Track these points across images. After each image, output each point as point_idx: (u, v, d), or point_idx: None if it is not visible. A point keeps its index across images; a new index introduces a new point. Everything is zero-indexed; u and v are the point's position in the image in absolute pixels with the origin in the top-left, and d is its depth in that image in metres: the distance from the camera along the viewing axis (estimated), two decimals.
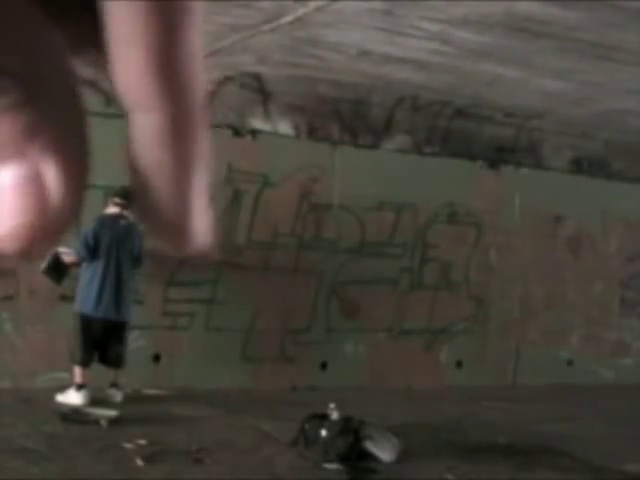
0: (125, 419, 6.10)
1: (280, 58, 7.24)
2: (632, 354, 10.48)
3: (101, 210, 7.38)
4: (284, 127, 8.25)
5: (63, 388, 6.69)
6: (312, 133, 8.40)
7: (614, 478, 5.67)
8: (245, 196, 8.05)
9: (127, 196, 6.89)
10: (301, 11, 5.81)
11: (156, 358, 7.72)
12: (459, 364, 9.27)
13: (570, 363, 9.97)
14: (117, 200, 6.84)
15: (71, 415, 6.08)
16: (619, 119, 9.05)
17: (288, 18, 5.98)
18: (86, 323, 6.70)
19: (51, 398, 6.52)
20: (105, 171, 8.26)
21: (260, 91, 8.05)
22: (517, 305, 9.65)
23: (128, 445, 5.39)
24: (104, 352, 6.83)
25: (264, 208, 8.12)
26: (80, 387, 6.65)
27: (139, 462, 5.01)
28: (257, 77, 7.93)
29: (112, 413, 6.17)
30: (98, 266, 6.71)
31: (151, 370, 7.65)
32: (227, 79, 7.87)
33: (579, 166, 10.11)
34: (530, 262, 9.68)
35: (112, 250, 6.73)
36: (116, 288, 6.74)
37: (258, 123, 8.12)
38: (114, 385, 6.86)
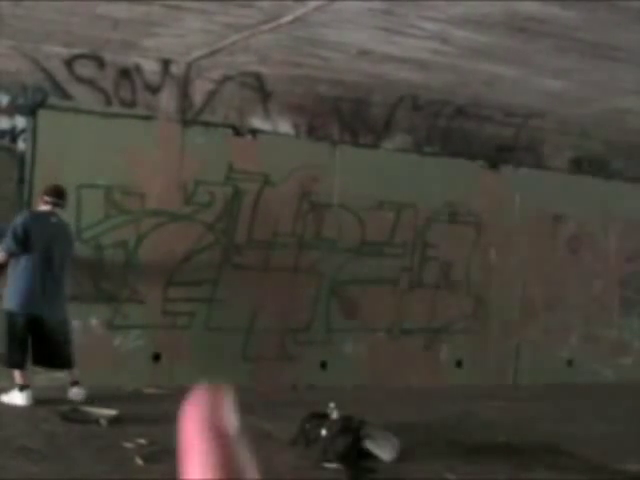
0: (125, 419, 6.10)
1: (280, 58, 7.25)
2: (632, 354, 10.48)
3: (102, 209, 7.39)
4: (284, 126, 8.25)
5: (62, 387, 6.68)
6: (312, 132, 8.40)
7: (614, 478, 5.66)
8: (245, 195, 8.04)
9: (59, 194, 6.72)
10: (301, 11, 5.81)
11: (156, 357, 7.72)
12: (459, 363, 9.28)
13: (570, 363, 9.97)
14: (48, 198, 6.65)
15: (71, 415, 6.08)
16: (619, 119, 9.05)
17: (288, 18, 5.98)
18: (12, 320, 6.47)
19: (51, 398, 6.52)
20: (105, 171, 8.24)
21: (260, 90, 8.05)
22: (517, 305, 9.65)
23: (128, 445, 5.39)
24: (41, 354, 6.56)
25: (264, 207, 8.12)
26: (23, 387, 6.44)
27: (139, 462, 5.01)
28: (257, 76, 7.93)
29: (112, 413, 6.17)
30: (27, 261, 6.50)
31: (151, 370, 7.65)
32: (227, 78, 7.87)
33: (579, 166, 10.11)
34: (530, 262, 9.68)
35: (42, 246, 6.52)
36: (46, 285, 6.51)
37: (258, 122, 8.12)
38: (75, 384, 6.63)
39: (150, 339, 7.66)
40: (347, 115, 8.55)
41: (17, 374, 6.52)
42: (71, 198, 7.17)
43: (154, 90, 7.63)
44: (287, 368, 8.22)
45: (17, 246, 6.50)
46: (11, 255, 6.57)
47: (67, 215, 7.06)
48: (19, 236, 6.48)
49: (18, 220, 6.58)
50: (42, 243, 6.54)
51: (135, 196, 7.45)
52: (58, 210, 6.69)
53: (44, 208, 6.67)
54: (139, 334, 7.59)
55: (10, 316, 6.52)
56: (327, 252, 8.42)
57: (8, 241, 6.52)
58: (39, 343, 6.59)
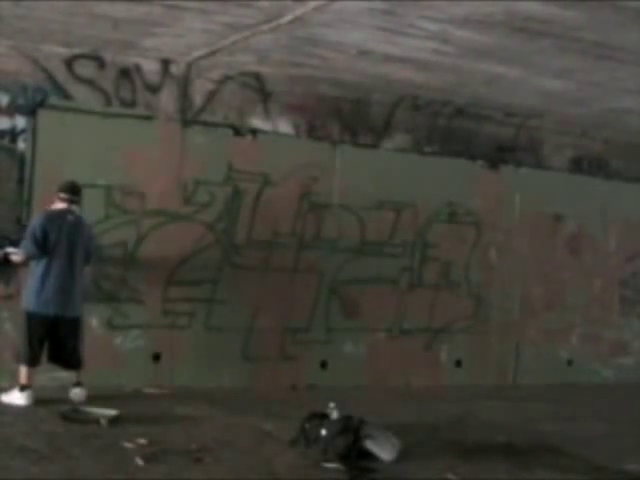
0: (125, 419, 6.09)
1: (280, 58, 7.25)
2: (632, 353, 10.48)
3: (102, 209, 7.39)
4: (284, 126, 8.25)
5: (63, 387, 6.68)
6: (312, 132, 8.40)
7: (614, 478, 5.66)
8: (245, 195, 8.04)
9: (74, 191, 6.69)
10: (301, 11, 5.81)
11: (156, 357, 7.72)
12: (459, 363, 9.28)
13: (570, 362, 9.97)
14: (63, 195, 6.63)
15: (71, 414, 6.08)
16: (619, 119, 9.05)
17: (288, 18, 5.98)
18: (32, 320, 6.51)
19: (51, 397, 6.52)
20: (105, 171, 8.25)
21: (260, 90, 8.05)
22: (517, 305, 9.65)
23: (128, 445, 5.38)
24: (58, 352, 6.63)
25: (264, 207, 8.12)
26: (24, 388, 6.45)
27: (139, 462, 5.01)
28: (257, 76, 7.94)
29: (112, 412, 6.16)
30: (46, 262, 6.52)
31: (151, 370, 7.65)
32: (227, 78, 7.88)
33: (579, 165, 10.12)
34: (530, 262, 9.68)
35: (61, 245, 6.54)
36: (66, 284, 6.55)
37: (258, 122, 8.12)
38: (77, 384, 6.67)
39: (150, 339, 7.66)
40: (347, 115, 8.55)
41: (24, 373, 6.53)
42: None
43: (154, 90, 7.63)
44: (287, 368, 8.21)
45: (36, 249, 6.52)
46: (30, 258, 6.60)
47: None
48: (37, 239, 6.50)
49: (35, 222, 6.60)
50: (60, 243, 6.56)
51: (135, 196, 7.45)
52: (74, 207, 6.68)
53: (60, 206, 6.65)
54: (139, 334, 7.59)
55: (29, 316, 6.57)
56: (327, 252, 8.42)
57: (27, 244, 6.54)
58: (57, 343, 6.64)
